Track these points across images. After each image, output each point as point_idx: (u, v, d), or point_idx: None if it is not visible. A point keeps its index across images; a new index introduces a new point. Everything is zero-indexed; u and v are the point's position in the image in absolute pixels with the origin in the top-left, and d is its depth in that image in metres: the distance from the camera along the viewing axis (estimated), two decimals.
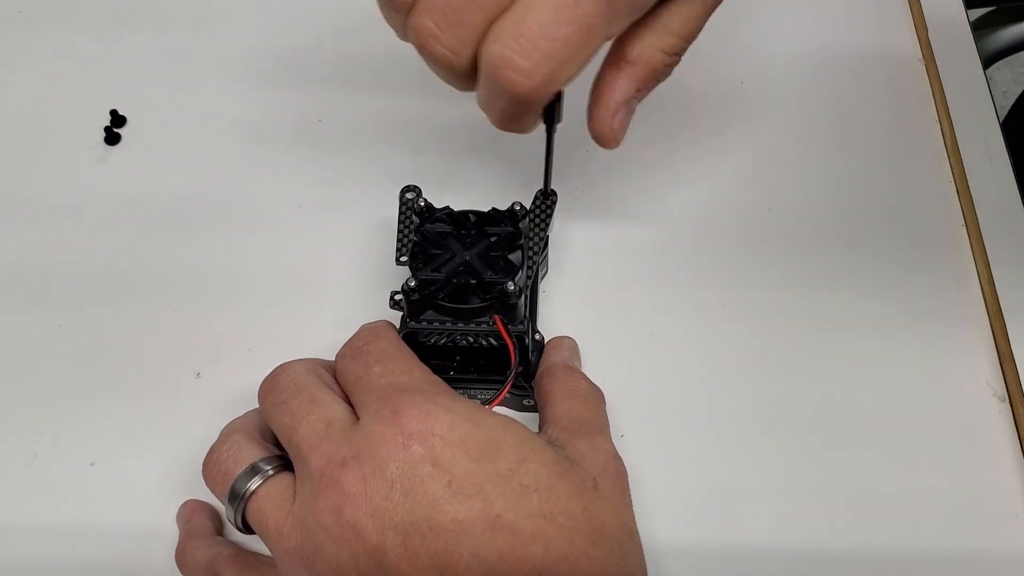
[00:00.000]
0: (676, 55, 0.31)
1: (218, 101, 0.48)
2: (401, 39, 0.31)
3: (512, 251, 0.36)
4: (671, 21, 0.31)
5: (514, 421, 0.30)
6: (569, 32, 0.27)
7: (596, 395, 0.35)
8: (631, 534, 0.31)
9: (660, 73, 0.32)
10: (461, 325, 0.35)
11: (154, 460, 0.37)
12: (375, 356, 0.32)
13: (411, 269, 0.35)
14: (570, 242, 0.43)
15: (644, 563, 0.31)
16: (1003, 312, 0.40)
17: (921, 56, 0.49)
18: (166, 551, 0.34)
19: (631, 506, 0.32)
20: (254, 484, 0.30)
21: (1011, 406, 0.38)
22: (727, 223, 0.43)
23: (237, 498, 0.30)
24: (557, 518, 0.28)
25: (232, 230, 0.43)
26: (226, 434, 0.33)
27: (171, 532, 0.35)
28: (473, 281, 0.35)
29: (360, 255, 0.42)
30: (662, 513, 0.35)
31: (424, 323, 0.35)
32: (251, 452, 0.31)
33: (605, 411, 0.35)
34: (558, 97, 0.32)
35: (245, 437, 0.32)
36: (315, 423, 0.30)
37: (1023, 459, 0.37)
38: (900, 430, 0.37)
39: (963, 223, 0.43)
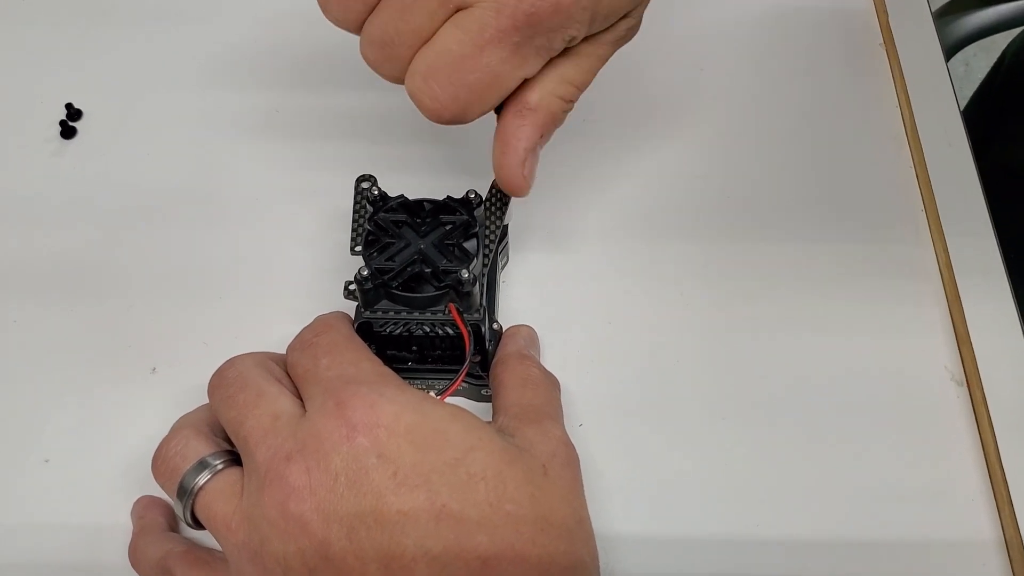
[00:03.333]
0: (572, 102, 0.33)
1: (174, 94, 0.48)
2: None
3: (467, 239, 0.36)
4: (567, 71, 0.32)
5: (462, 410, 0.30)
6: (474, 79, 0.30)
7: (548, 382, 0.35)
8: (581, 520, 0.31)
9: (558, 119, 0.33)
10: (416, 314, 0.35)
11: (109, 456, 0.37)
12: (324, 348, 0.32)
13: (364, 258, 0.35)
14: (530, 232, 0.42)
15: (595, 549, 0.31)
16: (961, 296, 0.40)
17: (882, 41, 0.49)
18: (121, 547, 0.34)
19: (582, 492, 0.32)
20: (202, 479, 0.30)
21: (968, 390, 0.38)
22: (686, 209, 0.43)
23: (186, 493, 0.30)
24: (504, 506, 0.28)
25: (188, 223, 0.43)
26: (175, 429, 0.32)
27: (126, 528, 0.35)
28: (427, 269, 0.35)
29: (316, 246, 0.42)
30: (619, 500, 0.35)
31: (379, 313, 0.35)
32: (199, 447, 0.31)
33: (558, 398, 0.35)
34: None
35: (194, 432, 0.32)
36: (261, 417, 0.30)
37: (980, 442, 0.37)
38: (858, 414, 0.37)
39: (922, 208, 0.43)
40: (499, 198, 0.37)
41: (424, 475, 0.28)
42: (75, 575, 0.34)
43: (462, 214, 0.36)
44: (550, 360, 0.38)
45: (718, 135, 0.46)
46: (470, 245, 0.36)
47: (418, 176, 0.43)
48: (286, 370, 0.33)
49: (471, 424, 0.30)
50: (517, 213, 0.42)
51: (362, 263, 0.35)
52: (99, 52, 0.49)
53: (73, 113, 0.46)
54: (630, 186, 0.44)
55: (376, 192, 0.36)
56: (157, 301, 0.41)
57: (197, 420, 0.33)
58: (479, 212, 0.36)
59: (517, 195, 0.35)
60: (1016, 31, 0.69)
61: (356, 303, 0.36)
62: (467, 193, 0.36)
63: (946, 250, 0.41)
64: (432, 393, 0.33)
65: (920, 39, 0.49)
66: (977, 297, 0.40)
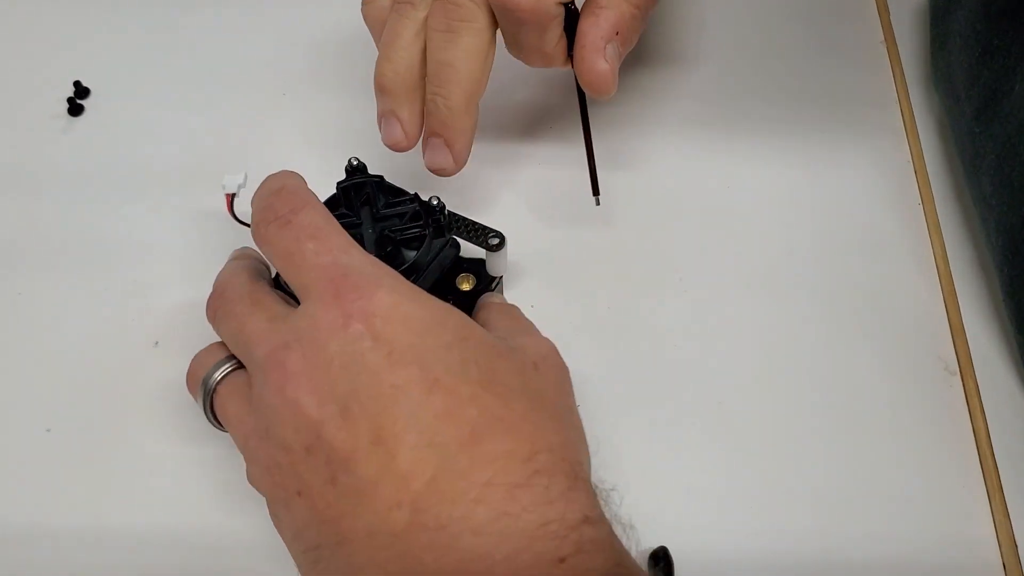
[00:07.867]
0: (639, 8, 0.36)
1: (181, 73, 0.48)
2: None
3: (407, 244, 0.35)
4: None
5: (456, 308, 0.31)
6: None
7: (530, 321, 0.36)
8: (571, 409, 0.31)
9: (628, 22, 0.35)
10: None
11: (111, 427, 0.37)
12: (307, 230, 0.31)
13: None
14: (529, 218, 0.43)
15: (586, 444, 0.31)
16: (956, 287, 0.40)
17: (883, 38, 0.50)
18: (123, 513, 0.35)
19: (572, 392, 0.32)
20: (218, 375, 0.32)
21: (962, 380, 0.38)
22: (683, 197, 0.44)
23: (204, 392, 0.32)
24: (495, 387, 0.28)
25: (192, 201, 0.43)
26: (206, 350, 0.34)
27: (127, 496, 0.35)
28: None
29: None
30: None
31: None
32: (219, 354, 0.33)
33: None
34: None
35: (218, 346, 0.33)
36: (260, 320, 0.31)
37: (972, 432, 0.37)
38: (851, 403, 0.37)
39: (919, 202, 0.43)
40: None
41: (418, 354, 0.28)
42: (77, 542, 0.34)
43: (417, 218, 0.36)
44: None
45: (717, 127, 0.46)
46: (408, 253, 0.35)
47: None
48: (258, 246, 0.33)
49: (466, 319, 0.30)
50: (523, 190, 0.42)
51: None
52: (108, 31, 0.49)
53: (81, 91, 0.47)
54: (626, 173, 0.44)
55: (355, 162, 0.37)
56: (161, 276, 0.41)
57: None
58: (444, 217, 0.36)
59: (600, 91, 0.36)
60: None
61: None
62: (431, 198, 0.36)
63: (941, 240, 0.41)
64: None
65: (920, 35, 0.49)
66: (971, 286, 0.40)
